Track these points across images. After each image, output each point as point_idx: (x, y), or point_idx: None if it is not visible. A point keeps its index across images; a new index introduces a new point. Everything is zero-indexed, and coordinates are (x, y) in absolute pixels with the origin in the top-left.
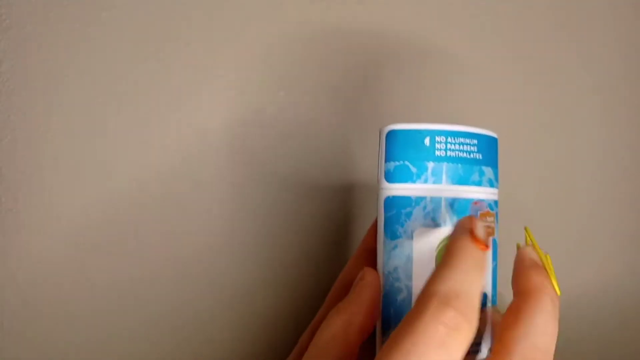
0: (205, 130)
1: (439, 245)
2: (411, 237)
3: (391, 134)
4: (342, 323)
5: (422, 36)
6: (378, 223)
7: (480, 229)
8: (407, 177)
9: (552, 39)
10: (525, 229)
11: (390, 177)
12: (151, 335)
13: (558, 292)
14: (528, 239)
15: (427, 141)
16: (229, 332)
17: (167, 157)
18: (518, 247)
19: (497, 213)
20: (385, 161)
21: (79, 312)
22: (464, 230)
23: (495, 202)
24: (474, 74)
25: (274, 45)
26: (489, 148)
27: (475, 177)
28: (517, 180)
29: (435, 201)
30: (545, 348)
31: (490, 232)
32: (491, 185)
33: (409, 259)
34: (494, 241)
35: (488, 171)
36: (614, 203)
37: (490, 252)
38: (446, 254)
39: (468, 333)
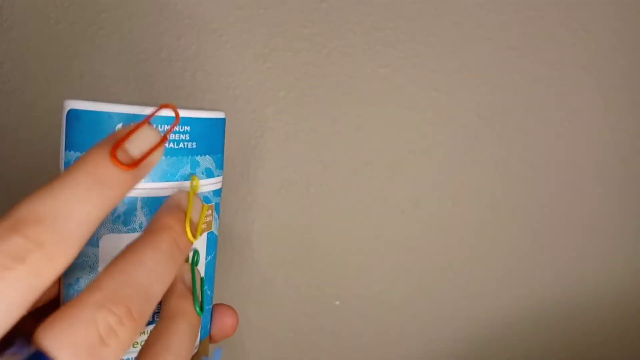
0: None
1: None
2: (96, 246)
3: (73, 115)
4: None
5: None
6: None
7: (138, 142)
8: None
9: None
10: (193, 178)
11: None
12: None
13: (190, 239)
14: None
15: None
16: None
17: None
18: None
19: (217, 203)
20: (66, 149)
21: None
22: (105, 140)
23: (215, 192)
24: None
25: None
26: (208, 133)
27: (186, 170)
28: (518, 179)
29: (129, 202)
30: (142, 285)
31: (205, 227)
32: (209, 175)
33: (94, 270)
34: (213, 235)
35: (205, 161)
36: (615, 200)
37: (129, 182)
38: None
39: (41, 262)
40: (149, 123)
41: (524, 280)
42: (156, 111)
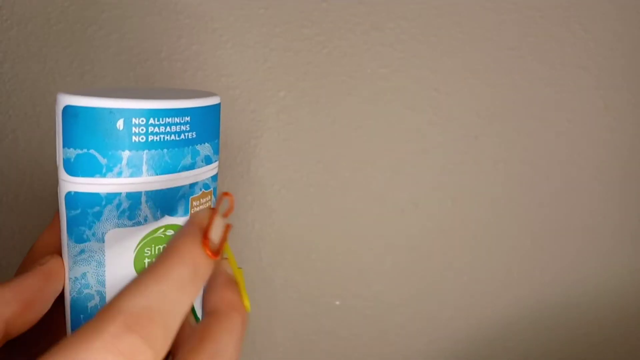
0: None
1: (137, 245)
2: (102, 241)
3: (70, 112)
4: None
5: None
6: (60, 220)
7: (216, 230)
8: (94, 170)
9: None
10: (229, 254)
11: (71, 169)
12: None
13: (248, 309)
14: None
15: (120, 124)
16: None
17: None
18: None
19: (214, 188)
20: (64, 146)
21: None
22: (193, 228)
23: (213, 177)
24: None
25: None
26: (206, 121)
27: (187, 160)
28: (518, 179)
29: (133, 197)
30: None
31: None
32: (208, 162)
33: (101, 264)
34: None
35: (204, 148)
36: (615, 200)
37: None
38: (157, 258)
39: None
40: (218, 211)
41: (524, 280)
42: (221, 199)
